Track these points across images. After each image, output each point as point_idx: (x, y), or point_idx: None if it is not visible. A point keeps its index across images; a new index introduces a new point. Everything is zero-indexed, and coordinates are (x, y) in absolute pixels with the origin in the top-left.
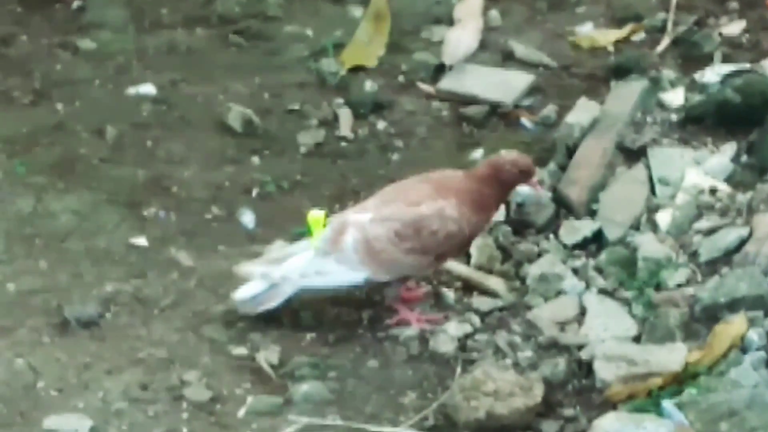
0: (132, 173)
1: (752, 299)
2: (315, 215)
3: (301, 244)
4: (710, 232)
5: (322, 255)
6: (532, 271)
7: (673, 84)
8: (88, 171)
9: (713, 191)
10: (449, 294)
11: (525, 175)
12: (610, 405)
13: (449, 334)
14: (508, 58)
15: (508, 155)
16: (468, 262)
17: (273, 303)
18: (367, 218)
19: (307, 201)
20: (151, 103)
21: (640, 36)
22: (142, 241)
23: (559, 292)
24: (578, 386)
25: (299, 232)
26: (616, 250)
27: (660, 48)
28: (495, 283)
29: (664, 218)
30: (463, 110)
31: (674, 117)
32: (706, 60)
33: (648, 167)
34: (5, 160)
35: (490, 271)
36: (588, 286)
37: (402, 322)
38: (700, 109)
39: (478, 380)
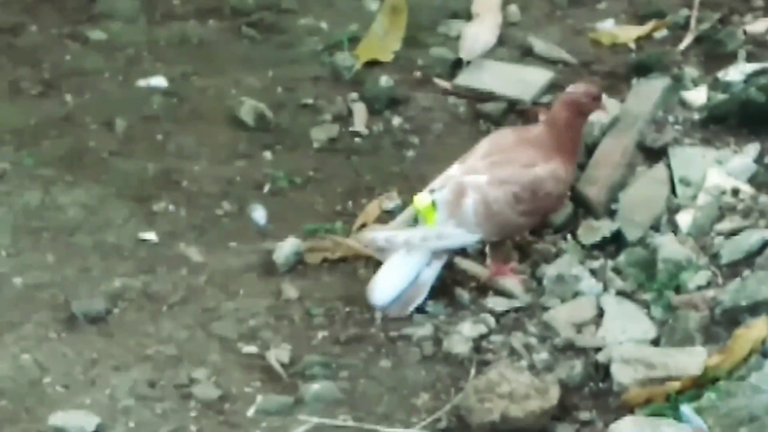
0: (142, 167)
1: None
2: (423, 201)
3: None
4: (732, 233)
5: (444, 220)
6: (549, 271)
7: (695, 82)
8: (97, 164)
9: (735, 192)
10: (464, 294)
11: (597, 101)
12: (628, 409)
13: (463, 334)
14: (526, 54)
15: (578, 88)
16: (483, 262)
17: (419, 298)
18: (484, 180)
19: (320, 197)
20: (161, 96)
21: (662, 33)
22: (151, 235)
23: (577, 294)
24: (595, 389)
25: (311, 228)
26: (636, 251)
27: (682, 45)
28: (511, 283)
29: (684, 219)
30: (480, 107)
31: (696, 116)
32: (730, 58)
33: (669, 167)
34: (13, 152)
35: None
36: (606, 288)
37: (500, 273)
38: (723, 109)
39: (493, 382)
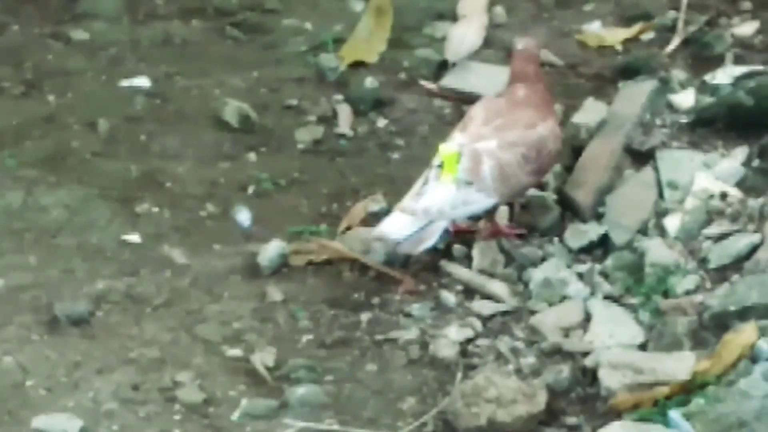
0: (125, 168)
1: (763, 308)
2: (448, 150)
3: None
4: (720, 238)
5: (465, 186)
6: (536, 275)
7: (683, 85)
8: (80, 165)
9: (724, 196)
10: (450, 297)
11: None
12: (615, 414)
13: (450, 338)
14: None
15: (529, 41)
16: (469, 265)
17: (430, 242)
18: (495, 145)
19: (305, 199)
20: (145, 96)
21: (649, 35)
22: (134, 237)
23: (564, 298)
24: (582, 394)
25: (296, 231)
26: (623, 255)
27: (670, 48)
28: (497, 287)
29: (672, 223)
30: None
31: (684, 119)
32: (718, 61)
33: (656, 170)
34: None
35: (492, 275)
36: (593, 292)
37: (496, 233)
38: (710, 112)
39: (480, 386)
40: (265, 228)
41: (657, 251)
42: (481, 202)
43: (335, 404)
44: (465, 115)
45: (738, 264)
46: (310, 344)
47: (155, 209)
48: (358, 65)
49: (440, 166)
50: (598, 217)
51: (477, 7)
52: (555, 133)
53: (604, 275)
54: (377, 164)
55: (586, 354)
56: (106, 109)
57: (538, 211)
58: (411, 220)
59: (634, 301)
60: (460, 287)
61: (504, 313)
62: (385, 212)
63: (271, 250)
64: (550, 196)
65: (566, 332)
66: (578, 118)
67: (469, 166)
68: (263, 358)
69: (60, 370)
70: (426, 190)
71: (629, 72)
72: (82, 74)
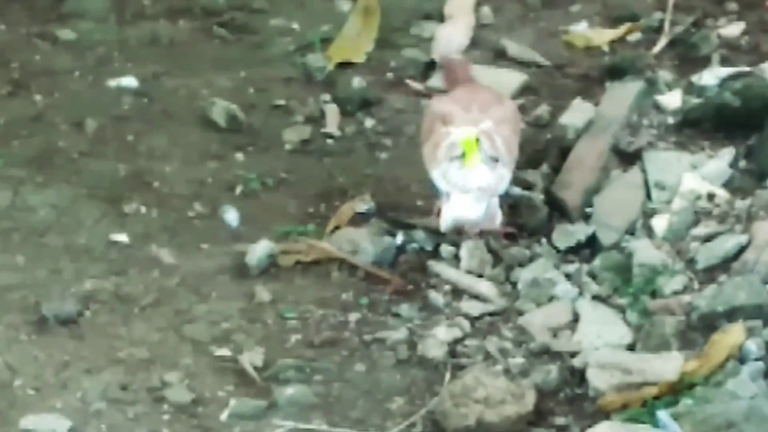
0: (113, 168)
1: (751, 308)
2: (466, 136)
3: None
4: (708, 238)
5: (492, 162)
6: (524, 275)
7: (669, 86)
8: (68, 164)
9: (711, 197)
10: (438, 298)
11: None
12: (604, 414)
13: (438, 338)
14: (500, 57)
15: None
16: (457, 266)
17: (499, 217)
18: (491, 124)
19: (292, 199)
20: (132, 96)
21: (636, 36)
22: (122, 237)
23: (552, 298)
24: (571, 394)
25: (284, 231)
26: (611, 256)
27: (656, 49)
28: (485, 287)
29: (660, 224)
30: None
31: (671, 120)
32: (704, 62)
33: (644, 171)
34: None
35: (480, 275)
36: (581, 292)
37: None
38: (697, 113)
39: (469, 386)
40: (253, 228)
41: (645, 252)
42: (507, 176)
43: (324, 404)
44: (431, 116)
45: (726, 265)
46: (299, 344)
47: (143, 209)
48: (345, 65)
49: (462, 155)
50: (586, 217)
51: (464, 8)
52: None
53: (592, 276)
54: (365, 164)
55: (574, 354)
56: (94, 109)
57: (525, 211)
58: (475, 199)
59: (622, 301)
60: (448, 287)
61: (492, 314)
62: (373, 212)
63: (259, 250)
64: (538, 196)
65: (554, 332)
66: (565, 118)
67: (489, 144)
68: (252, 358)
69: (48, 370)
70: (458, 176)
71: (616, 73)
72: (69, 74)
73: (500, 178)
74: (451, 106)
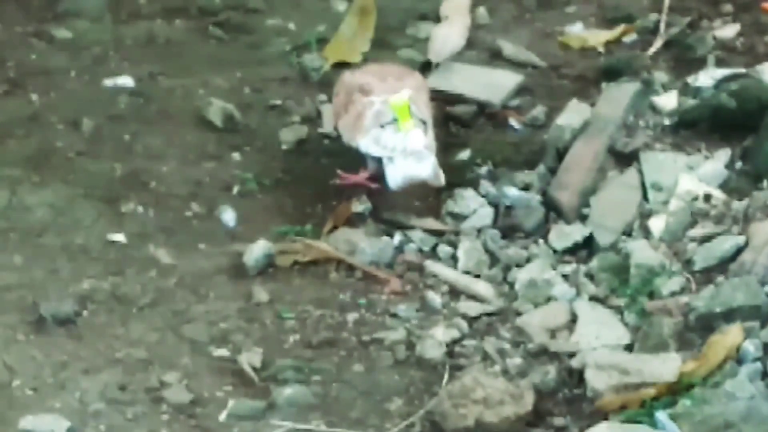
0: (109, 167)
1: (748, 309)
2: (399, 101)
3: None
4: (705, 239)
5: (423, 125)
6: (521, 276)
7: (665, 87)
8: (64, 164)
9: (708, 198)
10: (436, 298)
11: None
12: (602, 415)
13: (436, 339)
14: (495, 57)
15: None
16: (455, 266)
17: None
18: (411, 92)
19: (289, 199)
20: (128, 96)
21: (631, 37)
22: (120, 237)
23: (549, 299)
24: (569, 395)
25: (281, 231)
26: (608, 257)
27: (652, 50)
28: (483, 287)
29: (657, 224)
30: (450, 109)
31: (667, 121)
32: (700, 63)
33: (640, 172)
34: None
35: (477, 276)
36: (579, 293)
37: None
38: (693, 114)
39: (467, 387)
40: (251, 228)
41: (642, 252)
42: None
43: (322, 405)
44: (346, 88)
45: (723, 266)
46: (297, 345)
47: (140, 209)
48: (341, 65)
49: (394, 120)
50: (583, 218)
51: (460, 8)
52: None
53: (590, 276)
54: (361, 164)
55: (572, 355)
56: (90, 109)
57: (522, 212)
58: (419, 158)
59: (619, 302)
60: (445, 288)
61: (490, 314)
62: (370, 212)
63: (256, 251)
64: (535, 197)
65: (552, 333)
66: (562, 119)
67: (416, 108)
68: (250, 358)
69: (46, 371)
70: (395, 140)
71: (612, 74)
72: (65, 73)
73: (432, 140)
74: (366, 77)
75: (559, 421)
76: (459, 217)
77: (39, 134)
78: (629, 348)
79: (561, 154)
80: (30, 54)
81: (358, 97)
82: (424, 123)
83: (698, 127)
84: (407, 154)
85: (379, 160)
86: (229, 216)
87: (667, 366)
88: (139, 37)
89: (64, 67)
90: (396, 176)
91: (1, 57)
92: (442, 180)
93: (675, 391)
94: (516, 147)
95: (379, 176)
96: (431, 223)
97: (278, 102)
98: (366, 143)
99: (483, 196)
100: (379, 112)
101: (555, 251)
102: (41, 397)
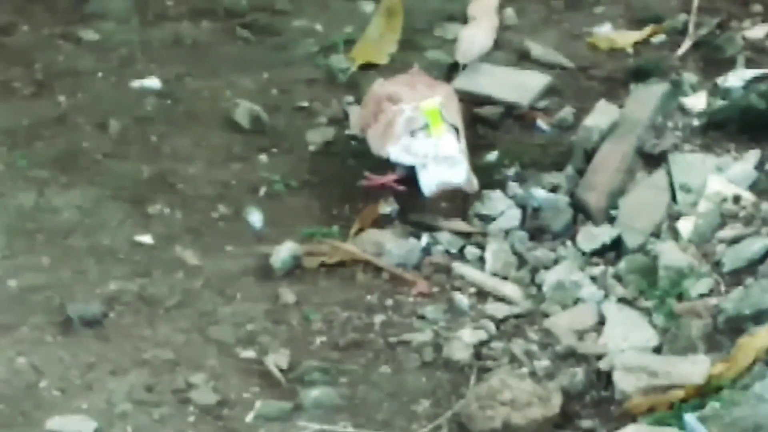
0: (136, 169)
1: None
2: (430, 106)
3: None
4: (734, 241)
5: (454, 131)
6: (549, 278)
7: (694, 88)
8: (91, 166)
9: (737, 199)
10: (463, 300)
11: None
12: (630, 417)
13: (464, 341)
14: (523, 58)
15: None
16: (482, 268)
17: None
18: (442, 99)
19: (316, 201)
20: (155, 97)
21: (660, 38)
22: (146, 238)
23: (577, 300)
24: (597, 397)
25: (308, 232)
26: (636, 258)
27: (681, 51)
28: (510, 289)
29: (685, 226)
30: (477, 111)
31: (696, 122)
32: (729, 64)
33: (669, 173)
34: (6, 153)
35: (505, 278)
36: (607, 295)
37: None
38: (722, 115)
39: (495, 389)
40: (277, 230)
41: (670, 254)
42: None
43: (349, 406)
44: (375, 99)
45: (752, 267)
46: (324, 346)
47: (167, 210)
48: (368, 67)
49: (426, 125)
50: (611, 220)
51: (487, 9)
52: None
53: (618, 278)
54: (388, 166)
55: (600, 357)
56: (117, 110)
57: (550, 213)
58: (452, 164)
59: (648, 304)
60: (473, 290)
61: (517, 316)
62: (397, 213)
63: (283, 252)
64: (563, 199)
65: (580, 335)
66: (590, 120)
67: (447, 114)
68: (277, 359)
69: (73, 372)
70: (427, 146)
71: (640, 75)
72: (93, 75)
73: (463, 147)
74: (396, 87)
75: (586, 423)
76: (486, 219)
77: (66, 136)
78: (658, 350)
79: (589, 156)
80: (57, 56)
81: (387, 106)
82: (456, 129)
83: (727, 128)
84: (440, 159)
85: (410, 167)
86: (256, 217)
87: (695, 368)
88: (166, 38)
89: (91, 69)
90: (430, 182)
91: (29, 59)
92: (475, 186)
93: (704, 393)
94: (544, 148)
95: (407, 180)
96: (459, 224)
97: (305, 103)
98: (396, 152)
99: (510, 198)
100: (410, 118)
101: (583, 253)
102: (68, 397)
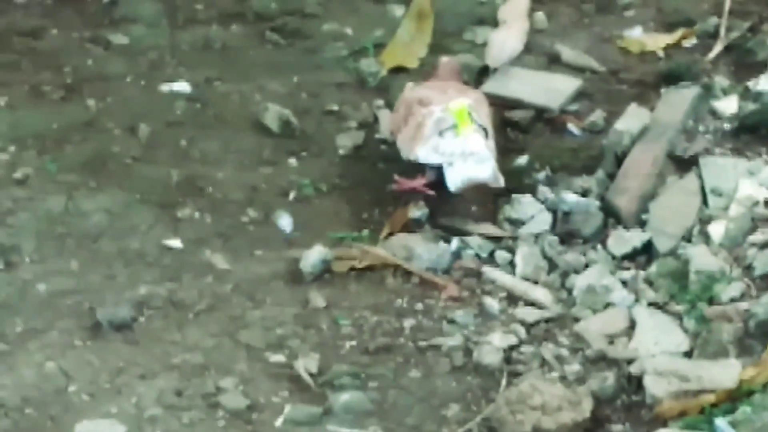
0: (165, 173)
1: None
2: (458, 106)
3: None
4: (765, 245)
5: (482, 131)
6: (579, 282)
7: (725, 92)
8: (121, 170)
9: None
10: (494, 304)
11: None
12: (661, 422)
13: (494, 345)
14: (554, 62)
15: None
16: (513, 272)
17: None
18: (471, 102)
19: (346, 205)
20: (185, 101)
21: (691, 41)
22: (176, 242)
23: (608, 305)
24: (627, 402)
25: (338, 236)
26: (667, 262)
27: (712, 54)
28: (541, 293)
29: (716, 230)
30: (507, 115)
31: (727, 126)
32: (760, 67)
33: (700, 177)
34: (35, 157)
35: (535, 282)
36: (638, 299)
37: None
38: (754, 118)
39: (525, 393)
40: (307, 234)
41: (701, 258)
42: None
43: (379, 411)
44: (406, 103)
45: None
46: (354, 350)
47: (196, 214)
48: (398, 70)
49: (455, 124)
50: (642, 223)
51: (518, 13)
52: None
53: (648, 282)
54: (417, 169)
55: (631, 361)
56: (146, 114)
57: (581, 217)
58: (479, 161)
59: (678, 308)
60: (503, 294)
61: (548, 320)
62: (427, 217)
63: (313, 256)
64: (593, 203)
65: (611, 339)
66: (621, 124)
67: (476, 115)
68: (306, 364)
69: (103, 376)
70: (454, 145)
71: (671, 78)
72: (122, 79)
73: (492, 146)
74: (426, 91)
75: (617, 427)
76: (517, 223)
77: (96, 140)
78: (688, 354)
79: (620, 160)
80: (87, 60)
81: (417, 109)
82: (485, 130)
83: (759, 131)
84: (466, 155)
85: (438, 169)
86: (285, 221)
87: (726, 372)
88: (195, 42)
89: (120, 73)
90: (455, 178)
91: (58, 63)
92: (501, 182)
93: (735, 397)
94: (574, 152)
95: (437, 184)
96: (489, 228)
97: (335, 107)
98: (425, 152)
99: (541, 202)
100: (440, 119)
101: (614, 257)
102: (97, 402)
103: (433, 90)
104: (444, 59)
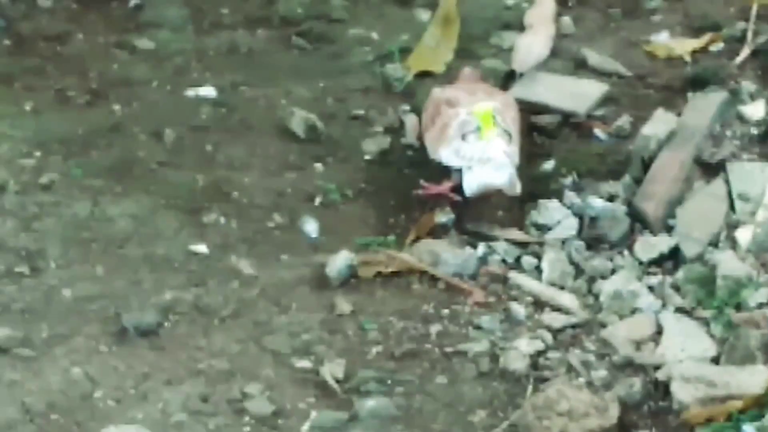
0: (191, 178)
1: None
2: (483, 109)
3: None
4: None
5: (507, 136)
6: (606, 287)
7: (753, 96)
8: (146, 175)
9: None
10: (520, 310)
11: None
12: (688, 428)
13: (520, 351)
14: (580, 67)
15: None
16: (539, 277)
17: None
18: (498, 105)
19: (372, 210)
20: (210, 106)
21: (718, 46)
22: (202, 248)
23: (635, 310)
24: (654, 408)
25: (363, 242)
26: (694, 268)
27: (739, 59)
28: (567, 299)
29: (744, 235)
30: (534, 119)
31: (754, 131)
32: None
33: (727, 182)
34: (61, 162)
35: (562, 288)
36: (665, 305)
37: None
38: None
39: (552, 399)
40: (333, 239)
41: (729, 264)
42: (517, 154)
43: (405, 417)
44: (435, 103)
45: None
46: (380, 356)
47: (222, 220)
48: (424, 75)
49: (478, 128)
50: (669, 229)
51: (544, 18)
52: None
53: (675, 288)
54: (444, 175)
55: (658, 367)
56: (172, 119)
57: (607, 223)
58: (497, 167)
59: (706, 314)
60: (529, 299)
61: (574, 326)
62: (453, 222)
63: (339, 262)
64: (620, 208)
65: (638, 345)
66: (647, 129)
67: (501, 119)
68: (332, 369)
69: (128, 382)
70: (475, 148)
71: (698, 83)
72: (148, 84)
73: (514, 152)
74: (455, 92)
75: None
76: (543, 228)
77: (121, 145)
78: (716, 360)
79: (646, 165)
80: (112, 64)
81: (444, 110)
82: (509, 135)
83: None
84: (485, 161)
85: (460, 172)
86: (311, 227)
87: (754, 378)
88: (221, 47)
89: (146, 78)
90: (472, 183)
91: (84, 67)
92: (518, 189)
93: (762, 403)
94: (601, 157)
95: (462, 187)
96: (515, 234)
97: (361, 112)
98: (447, 154)
99: (568, 207)
100: (464, 122)
101: (640, 262)
102: (123, 408)
103: (461, 91)
104: (466, 70)
